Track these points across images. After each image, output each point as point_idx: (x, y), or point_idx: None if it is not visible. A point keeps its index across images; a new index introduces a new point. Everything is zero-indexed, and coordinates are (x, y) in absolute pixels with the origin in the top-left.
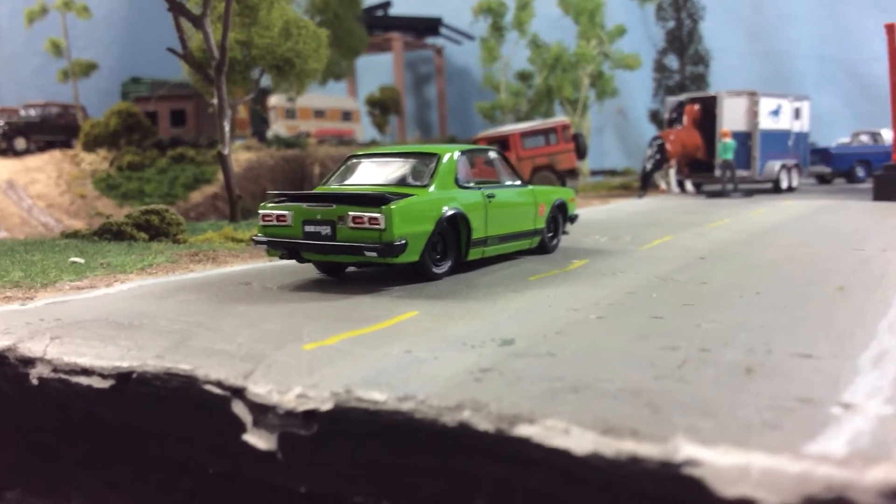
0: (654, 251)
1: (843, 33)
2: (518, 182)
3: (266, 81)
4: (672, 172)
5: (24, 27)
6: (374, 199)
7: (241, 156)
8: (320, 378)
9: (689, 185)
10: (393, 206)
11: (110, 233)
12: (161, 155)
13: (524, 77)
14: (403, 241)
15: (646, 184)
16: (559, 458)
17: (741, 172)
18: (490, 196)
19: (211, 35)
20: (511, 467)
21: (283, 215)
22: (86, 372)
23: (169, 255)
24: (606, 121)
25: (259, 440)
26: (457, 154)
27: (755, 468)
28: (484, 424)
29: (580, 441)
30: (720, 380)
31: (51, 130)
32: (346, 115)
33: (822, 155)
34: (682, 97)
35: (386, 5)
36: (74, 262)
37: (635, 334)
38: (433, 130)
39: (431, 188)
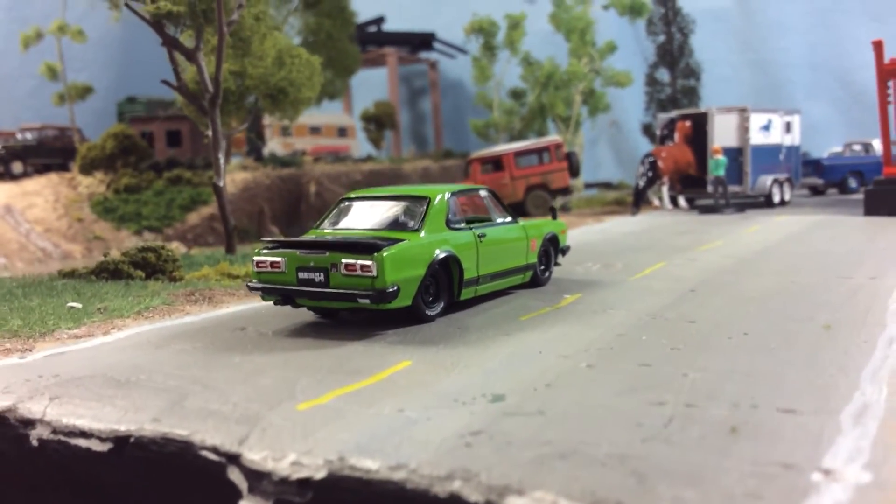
0: (644, 281)
1: (833, 42)
2: (508, 219)
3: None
4: (665, 189)
5: (20, 51)
6: (366, 247)
7: (237, 176)
8: (314, 443)
9: (681, 201)
10: (385, 254)
11: (107, 272)
12: (158, 177)
13: (517, 95)
14: (396, 288)
15: (639, 201)
16: None
17: (733, 188)
18: (481, 235)
19: (205, 68)
20: None
21: (277, 262)
22: (84, 434)
23: (165, 297)
24: (600, 133)
25: None
26: (447, 195)
27: None
28: (474, 496)
29: None
30: (705, 441)
31: (47, 153)
32: (342, 132)
33: (814, 166)
34: (674, 114)
35: (379, 21)
36: (72, 308)
37: (624, 386)
38: (428, 144)
39: (422, 232)
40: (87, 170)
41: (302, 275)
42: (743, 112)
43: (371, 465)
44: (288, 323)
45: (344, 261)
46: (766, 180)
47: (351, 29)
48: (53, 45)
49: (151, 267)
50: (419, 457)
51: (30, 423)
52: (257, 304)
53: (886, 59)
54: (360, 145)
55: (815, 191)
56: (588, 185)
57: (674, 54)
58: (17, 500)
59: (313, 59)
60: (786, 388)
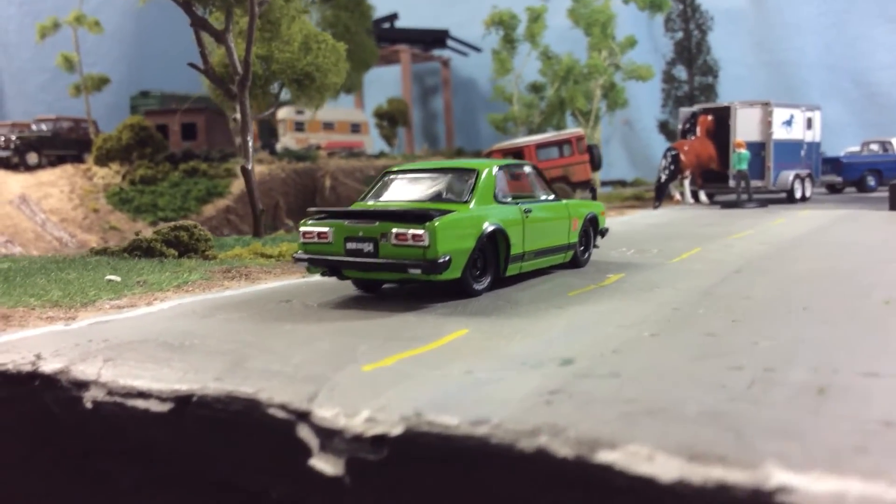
0: (685, 264)
1: (848, 42)
2: (552, 196)
3: (285, 95)
4: (686, 183)
5: (37, 42)
6: (418, 216)
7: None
8: (386, 401)
9: (702, 196)
10: (437, 223)
11: (140, 249)
12: (173, 169)
13: (536, 89)
14: (447, 258)
15: (661, 195)
16: (644, 486)
17: (755, 182)
18: (527, 211)
19: (234, 50)
20: (593, 495)
21: (325, 232)
22: (142, 395)
23: (202, 273)
24: (613, 131)
25: (326, 465)
26: (495, 169)
27: (852, 495)
28: (563, 450)
29: (666, 468)
30: (795, 401)
31: (62, 145)
32: (355, 128)
33: (832, 164)
34: (696, 108)
35: (392, 18)
36: (111, 281)
37: (694, 353)
38: (439, 142)
39: (472, 204)
40: (102, 161)
41: (350, 245)
42: (766, 106)
43: (450, 420)
44: (332, 296)
45: (394, 230)
46: (788, 175)
47: (368, 23)
48: (64, 38)
49: (184, 246)
50: (500, 413)
51: (83, 384)
52: (296, 280)
53: None
54: (372, 142)
55: (833, 189)
56: (603, 183)
57: (691, 51)
58: (69, 467)
59: (339, 46)
60: (862, 355)
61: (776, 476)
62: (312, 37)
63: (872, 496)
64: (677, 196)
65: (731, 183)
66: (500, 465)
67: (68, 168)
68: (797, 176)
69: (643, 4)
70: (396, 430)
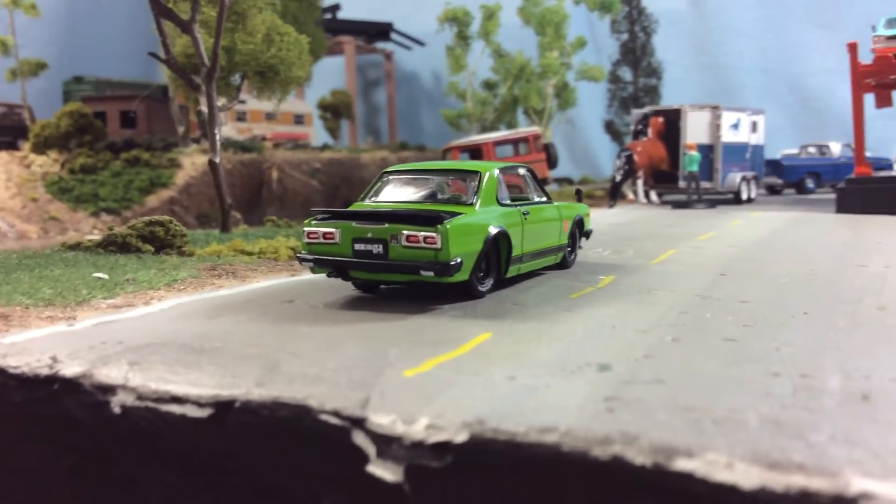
0: (666, 266)
1: (783, 47)
2: (545, 198)
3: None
4: (640, 183)
5: None
6: (428, 218)
7: (196, 159)
8: (441, 408)
9: (653, 196)
10: (449, 225)
11: (115, 244)
12: (114, 158)
13: (490, 86)
14: (459, 261)
15: (615, 194)
16: (726, 494)
17: (704, 184)
18: (525, 213)
19: (201, 41)
20: (674, 503)
21: (331, 233)
22: (178, 400)
23: (189, 270)
24: (554, 130)
25: (385, 472)
26: (496, 171)
27: None
28: (639, 458)
29: (746, 476)
30: (846, 408)
31: None
32: (299, 119)
33: (773, 166)
34: (647, 110)
35: (335, 8)
36: (99, 278)
37: (724, 359)
38: (382, 136)
39: (477, 206)
40: (40, 148)
41: (358, 246)
42: (715, 110)
43: (517, 428)
44: (335, 297)
45: (405, 232)
46: (736, 177)
47: (317, 14)
48: None
49: (160, 241)
50: (565, 420)
51: (110, 389)
52: (287, 279)
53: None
54: (316, 134)
55: (773, 190)
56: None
57: (636, 53)
58: (94, 472)
59: (301, 39)
60: (885, 361)
61: (856, 483)
62: (275, 29)
63: None
64: (631, 195)
65: (682, 184)
66: (574, 473)
67: (3, 155)
68: (744, 178)
69: (593, 5)
70: (461, 438)
